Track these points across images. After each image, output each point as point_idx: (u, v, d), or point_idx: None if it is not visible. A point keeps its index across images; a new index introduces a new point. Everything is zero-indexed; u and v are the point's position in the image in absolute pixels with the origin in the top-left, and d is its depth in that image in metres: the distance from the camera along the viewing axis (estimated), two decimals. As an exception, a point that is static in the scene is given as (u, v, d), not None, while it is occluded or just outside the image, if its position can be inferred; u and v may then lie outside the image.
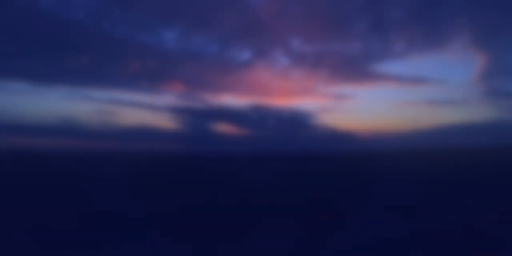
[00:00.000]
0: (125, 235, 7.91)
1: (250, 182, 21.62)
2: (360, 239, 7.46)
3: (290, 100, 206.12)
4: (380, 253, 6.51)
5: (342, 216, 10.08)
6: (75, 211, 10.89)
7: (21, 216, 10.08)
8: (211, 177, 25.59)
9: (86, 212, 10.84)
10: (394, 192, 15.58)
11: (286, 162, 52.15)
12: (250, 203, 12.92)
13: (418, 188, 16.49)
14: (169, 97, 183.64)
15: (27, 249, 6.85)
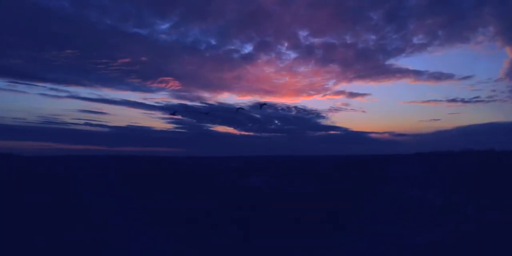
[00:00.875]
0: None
1: (258, 189, 22.24)
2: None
3: (297, 98, 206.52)
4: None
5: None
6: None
7: None
8: (213, 183, 26.19)
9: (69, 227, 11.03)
10: (421, 198, 16.11)
11: (294, 165, 53.13)
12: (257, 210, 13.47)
13: (447, 194, 16.99)
14: (163, 95, 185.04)
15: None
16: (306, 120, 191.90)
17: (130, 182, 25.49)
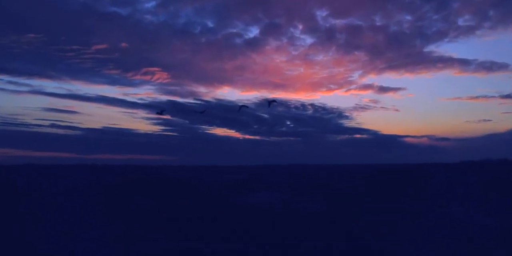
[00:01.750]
0: None
1: (264, 208, 22.07)
2: None
3: (315, 93, 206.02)
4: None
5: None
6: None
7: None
8: (208, 200, 26.06)
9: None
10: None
11: (310, 177, 52.69)
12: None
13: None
14: (148, 90, 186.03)
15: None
16: (326, 121, 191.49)
17: (105, 200, 25.40)
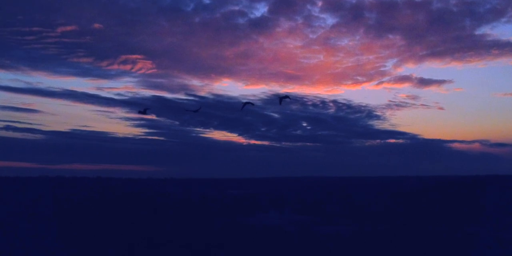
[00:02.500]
0: None
1: (274, 232, 22.03)
2: None
3: (338, 87, 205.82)
4: None
5: None
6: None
7: None
8: (202, 222, 25.89)
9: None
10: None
11: (332, 192, 52.56)
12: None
13: None
14: (128, 83, 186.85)
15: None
16: (352, 121, 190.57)
17: (72, 223, 25.32)
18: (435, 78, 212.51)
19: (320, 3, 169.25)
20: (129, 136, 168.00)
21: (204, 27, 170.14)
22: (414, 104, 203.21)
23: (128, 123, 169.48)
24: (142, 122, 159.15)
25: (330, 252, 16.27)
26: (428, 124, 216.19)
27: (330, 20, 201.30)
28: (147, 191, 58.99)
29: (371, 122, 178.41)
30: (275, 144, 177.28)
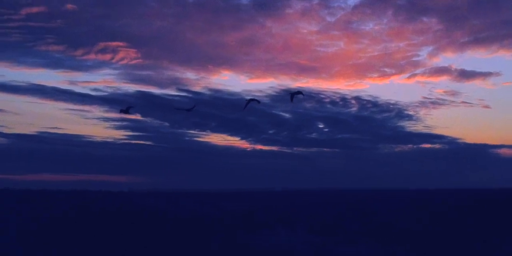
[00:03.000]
0: None
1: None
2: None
3: (361, 81, 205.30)
4: None
5: None
6: None
7: None
8: (198, 243, 26.09)
9: None
10: None
11: (354, 208, 53.68)
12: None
13: None
14: (107, 76, 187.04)
15: None
16: (378, 122, 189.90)
17: (39, 245, 25.44)
18: (479, 70, 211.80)
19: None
20: (109, 140, 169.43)
21: (200, 8, 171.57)
22: (453, 101, 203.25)
23: (107, 124, 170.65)
24: (124, 123, 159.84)
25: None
26: (471, 125, 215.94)
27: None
28: (131, 206, 59.09)
29: (401, 123, 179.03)
30: (285, 150, 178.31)
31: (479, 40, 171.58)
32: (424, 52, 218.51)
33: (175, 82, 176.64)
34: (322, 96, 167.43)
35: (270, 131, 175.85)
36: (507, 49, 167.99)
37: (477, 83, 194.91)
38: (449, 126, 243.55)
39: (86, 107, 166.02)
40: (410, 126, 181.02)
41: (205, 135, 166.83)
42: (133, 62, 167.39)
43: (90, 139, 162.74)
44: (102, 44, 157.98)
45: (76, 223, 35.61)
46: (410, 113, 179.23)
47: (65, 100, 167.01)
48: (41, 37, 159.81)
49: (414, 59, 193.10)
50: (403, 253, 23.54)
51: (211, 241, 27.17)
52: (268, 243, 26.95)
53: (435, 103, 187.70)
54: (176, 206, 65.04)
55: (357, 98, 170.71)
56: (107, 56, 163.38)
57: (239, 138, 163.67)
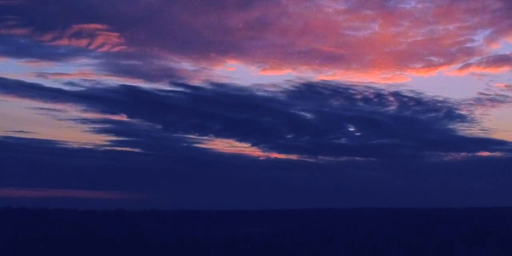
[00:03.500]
0: None
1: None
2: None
3: (400, 73, 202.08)
4: None
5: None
6: None
7: None
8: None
9: None
10: None
11: (395, 232, 51.15)
12: None
13: None
14: (84, 67, 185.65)
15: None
16: (423, 125, 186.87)
17: None
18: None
19: None
20: (88, 146, 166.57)
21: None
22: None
23: (85, 127, 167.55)
24: (107, 125, 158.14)
25: None
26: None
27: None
28: (116, 229, 58.28)
29: (452, 126, 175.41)
30: (307, 159, 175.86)
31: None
32: (479, 37, 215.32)
33: (168, 75, 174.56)
34: (352, 91, 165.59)
35: (288, 136, 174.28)
36: None
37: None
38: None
39: (59, 106, 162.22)
40: (463, 130, 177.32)
41: (207, 140, 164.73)
42: (116, 49, 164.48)
43: (64, 146, 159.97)
44: (76, 27, 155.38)
45: (46, 248, 35.87)
46: (463, 113, 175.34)
47: (32, 97, 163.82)
48: (1, 18, 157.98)
49: (468, 45, 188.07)
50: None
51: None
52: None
53: (494, 100, 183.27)
54: (172, 228, 64.78)
55: (396, 94, 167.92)
56: (83, 42, 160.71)
57: (249, 145, 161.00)
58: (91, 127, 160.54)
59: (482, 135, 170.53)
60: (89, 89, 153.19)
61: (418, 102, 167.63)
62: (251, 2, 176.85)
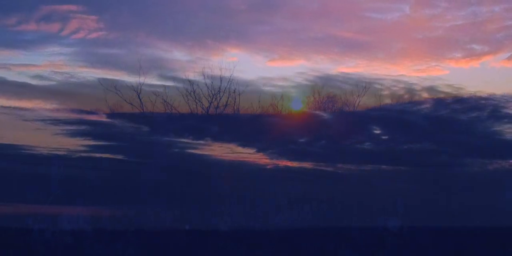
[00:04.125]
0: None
1: None
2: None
3: (438, 65, 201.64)
4: None
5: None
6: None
7: None
8: None
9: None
10: None
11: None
12: None
13: None
14: (54, 56, 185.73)
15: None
16: (464, 126, 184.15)
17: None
18: None
19: None
20: (60, 152, 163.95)
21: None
22: None
23: (57, 129, 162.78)
24: (83, 127, 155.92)
25: None
26: None
27: None
28: (102, 250, 58.36)
29: (499, 128, 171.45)
30: (324, 168, 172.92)
31: None
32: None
33: (156, 66, 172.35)
34: (378, 86, 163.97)
35: (301, 140, 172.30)
36: None
37: None
38: None
39: (25, 103, 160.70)
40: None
41: (204, 145, 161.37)
42: (93, 35, 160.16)
43: (31, 151, 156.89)
44: (46, 8, 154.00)
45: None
46: (511, 112, 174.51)
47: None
48: None
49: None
50: None
51: None
52: None
53: None
54: (166, 250, 63.69)
55: (431, 90, 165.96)
56: (54, 27, 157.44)
57: (254, 150, 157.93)
58: (64, 129, 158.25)
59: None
60: (61, 83, 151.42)
61: (457, 99, 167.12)
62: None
